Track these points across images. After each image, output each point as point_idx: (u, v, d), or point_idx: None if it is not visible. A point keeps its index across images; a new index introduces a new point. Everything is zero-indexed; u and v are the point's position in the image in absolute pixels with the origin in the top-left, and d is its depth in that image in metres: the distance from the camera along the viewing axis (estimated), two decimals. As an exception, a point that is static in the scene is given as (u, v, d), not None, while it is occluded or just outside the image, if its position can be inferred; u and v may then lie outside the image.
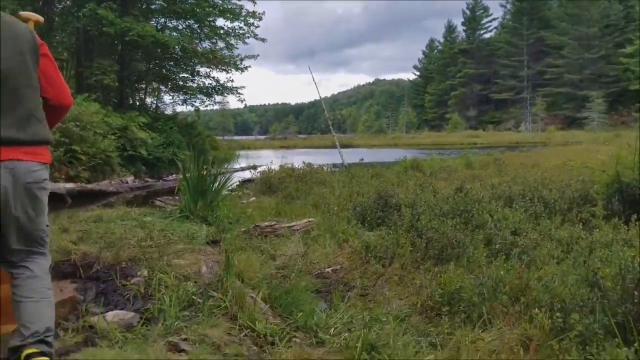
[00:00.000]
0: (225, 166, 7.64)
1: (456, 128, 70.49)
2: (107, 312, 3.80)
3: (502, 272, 3.65)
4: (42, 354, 2.28)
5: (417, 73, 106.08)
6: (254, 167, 17.33)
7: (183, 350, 2.97)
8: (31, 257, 2.48)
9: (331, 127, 16.18)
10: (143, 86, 23.85)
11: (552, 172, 9.76)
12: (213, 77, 23.63)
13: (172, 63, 23.21)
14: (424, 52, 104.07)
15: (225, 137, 45.77)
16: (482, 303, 3.37)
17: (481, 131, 63.60)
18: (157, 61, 22.85)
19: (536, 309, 3.06)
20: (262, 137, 79.60)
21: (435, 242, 4.61)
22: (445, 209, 5.60)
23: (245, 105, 26.77)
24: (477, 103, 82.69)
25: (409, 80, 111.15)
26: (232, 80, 25.42)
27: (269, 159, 16.06)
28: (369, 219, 6.11)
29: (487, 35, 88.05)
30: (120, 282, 4.58)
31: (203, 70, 23.36)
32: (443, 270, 4.06)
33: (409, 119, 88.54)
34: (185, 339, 3.14)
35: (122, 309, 4.05)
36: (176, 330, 3.30)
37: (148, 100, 24.30)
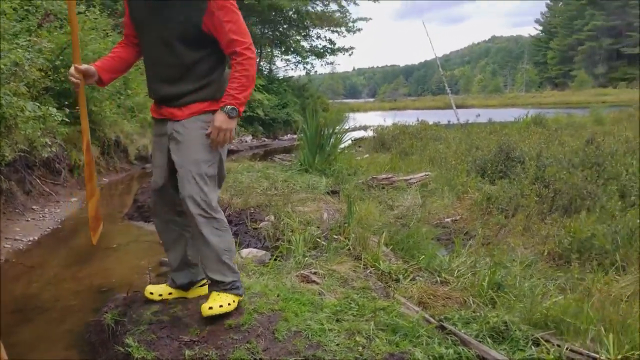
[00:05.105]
0: (339, 126, 7.80)
1: (582, 86, 64.46)
2: (241, 249, 4.20)
3: (638, 221, 3.46)
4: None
5: (539, 28, 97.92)
6: (365, 128, 17.39)
7: (314, 282, 3.20)
8: None
9: (445, 85, 15.60)
10: (258, 50, 24.67)
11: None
12: (324, 37, 24.07)
13: (285, 26, 23.74)
14: (547, 5, 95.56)
15: (335, 100, 46.05)
16: (615, 250, 3.23)
17: (611, 89, 57.51)
18: (272, 24, 23.46)
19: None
20: (371, 99, 79.08)
21: (564, 193, 4.43)
22: (575, 161, 5.31)
23: (354, 68, 26.99)
24: (606, 58, 74.53)
25: (529, 35, 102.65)
26: (345, 36, 25.42)
27: (379, 120, 15.98)
28: (489, 172, 5.97)
29: (619, -17, 78.52)
30: (251, 225, 4.99)
31: (315, 32, 23.85)
32: (572, 221, 3.91)
33: (529, 77, 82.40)
34: (315, 273, 3.37)
35: (254, 247, 4.45)
36: (306, 265, 3.55)
37: (262, 63, 25.13)
